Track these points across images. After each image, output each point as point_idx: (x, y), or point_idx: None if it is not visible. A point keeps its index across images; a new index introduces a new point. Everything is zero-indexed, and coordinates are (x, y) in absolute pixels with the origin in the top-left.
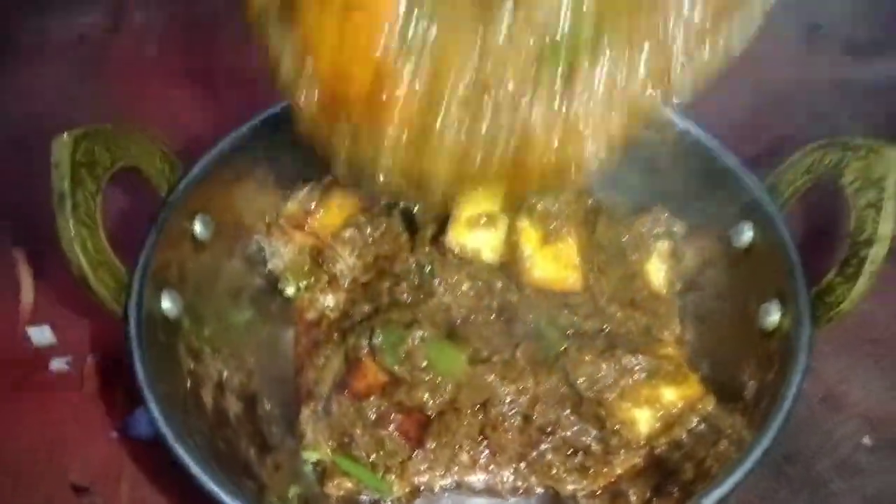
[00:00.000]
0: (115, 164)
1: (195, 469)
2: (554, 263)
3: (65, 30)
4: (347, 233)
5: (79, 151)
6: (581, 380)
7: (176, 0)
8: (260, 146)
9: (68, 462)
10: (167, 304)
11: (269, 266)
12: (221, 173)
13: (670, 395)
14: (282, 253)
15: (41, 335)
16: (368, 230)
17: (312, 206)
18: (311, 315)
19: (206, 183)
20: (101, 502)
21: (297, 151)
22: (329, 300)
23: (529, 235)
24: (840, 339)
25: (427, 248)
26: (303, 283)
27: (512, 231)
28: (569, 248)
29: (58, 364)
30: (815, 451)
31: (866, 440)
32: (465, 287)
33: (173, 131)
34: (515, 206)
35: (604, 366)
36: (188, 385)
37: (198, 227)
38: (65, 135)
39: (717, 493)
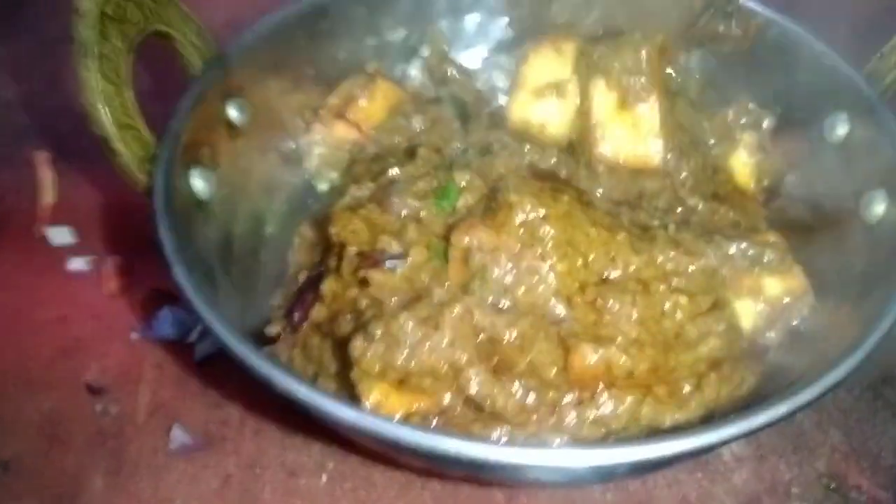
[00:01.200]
0: (149, 27)
1: (226, 336)
2: (632, 131)
3: None
4: (394, 122)
5: (109, 4)
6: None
7: None
8: (303, 34)
9: (85, 363)
10: (198, 182)
11: (306, 164)
12: (260, 57)
13: (774, 286)
14: (320, 148)
15: (61, 235)
16: (416, 119)
17: (357, 94)
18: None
19: (242, 65)
20: (115, 405)
21: (343, 42)
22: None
23: (604, 98)
24: None
25: (484, 131)
26: (335, 177)
27: (584, 97)
28: (651, 112)
29: (77, 263)
30: None
31: None
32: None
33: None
34: (589, 66)
35: (708, 249)
36: (217, 269)
37: (232, 111)
38: None
39: (818, 388)
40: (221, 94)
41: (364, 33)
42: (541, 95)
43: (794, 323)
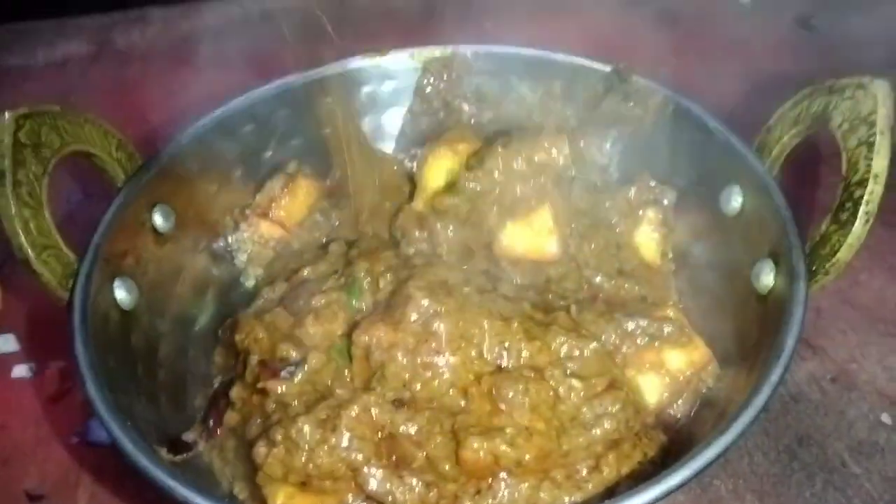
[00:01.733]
0: (65, 148)
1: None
2: (527, 230)
3: (49, 54)
4: (313, 218)
5: (22, 131)
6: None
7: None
8: (227, 138)
9: (24, 469)
10: (121, 293)
11: (236, 261)
12: (185, 164)
13: (676, 359)
14: (248, 245)
15: (5, 343)
16: (335, 214)
17: (278, 193)
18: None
19: (166, 173)
20: None
21: (269, 143)
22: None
23: (497, 204)
24: (849, 320)
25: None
26: (261, 273)
27: (478, 201)
28: (543, 214)
29: (19, 371)
30: (830, 432)
31: (885, 418)
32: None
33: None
34: (483, 169)
35: (608, 328)
36: (140, 376)
37: (158, 219)
38: (6, 114)
39: (707, 455)
40: (146, 203)
41: (288, 135)
42: (439, 195)
43: (700, 392)
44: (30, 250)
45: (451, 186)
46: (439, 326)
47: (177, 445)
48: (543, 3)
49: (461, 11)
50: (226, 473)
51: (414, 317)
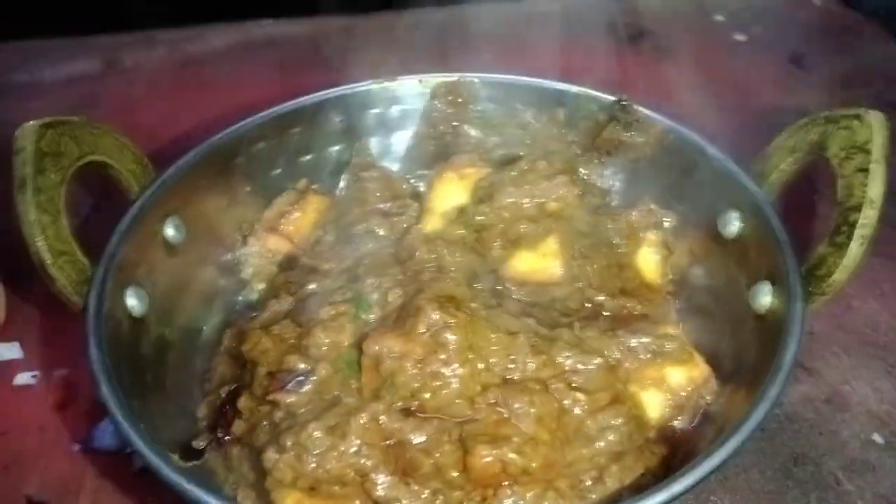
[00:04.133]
0: (83, 158)
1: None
2: (531, 256)
3: (57, 73)
4: (321, 232)
5: (44, 140)
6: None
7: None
8: (238, 154)
9: (26, 476)
10: (132, 301)
11: (243, 275)
12: (197, 178)
13: (677, 375)
14: (255, 259)
15: (10, 351)
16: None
17: (287, 209)
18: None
19: (179, 186)
20: None
21: (279, 161)
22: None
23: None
24: (842, 342)
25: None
26: (264, 288)
27: (483, 229)
28: (549, 243)
29: (23, 378)
30: (824, 451)
31: (877, 437)
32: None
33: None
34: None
35: (611, 345)
36: (149, 383)
37: (169, 231)
38: (31, 122)
39: (708, 465)
40: (159, 215)
41: (299, 152)
42: (447, 219)
43: (701, 408)
44: (47, 255)
45: (460, 214)
46: (448, 338)
47: (188, 452)
48: (547, 37)
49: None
50: (229, 480)
51: (423, 328)
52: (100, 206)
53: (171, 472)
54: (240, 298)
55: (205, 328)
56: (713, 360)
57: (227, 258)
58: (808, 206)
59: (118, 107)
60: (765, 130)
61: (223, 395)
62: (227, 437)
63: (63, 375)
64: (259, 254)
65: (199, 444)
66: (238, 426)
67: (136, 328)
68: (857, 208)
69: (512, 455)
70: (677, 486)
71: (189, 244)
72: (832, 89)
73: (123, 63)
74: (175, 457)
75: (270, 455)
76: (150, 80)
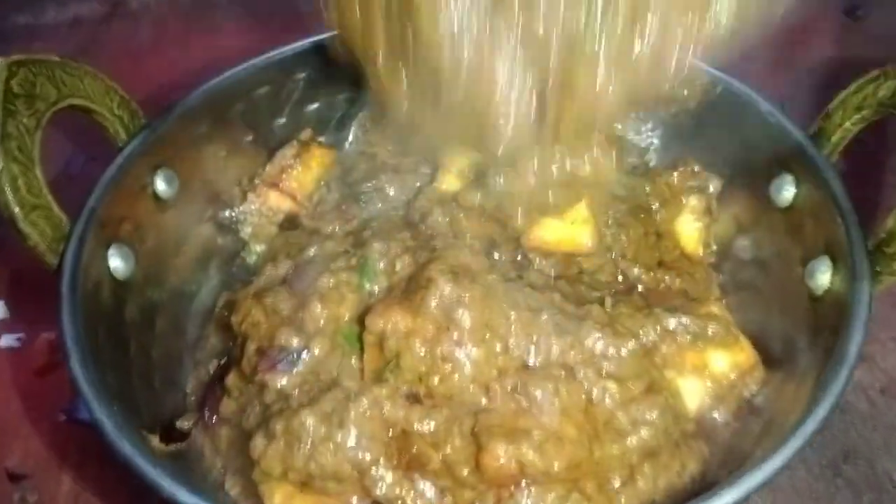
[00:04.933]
0: (61, 101)
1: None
2: (559, 220)
3: (60, 15)
4: (325, 189)
5: (14, 79)
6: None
7: None
8: (239, 100)
9: (8, 447)
10: (116, 261)
11: (241, 234)
12: (192, 126)
13: (720, 361)
14: (254, 218)
15: None
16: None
17: (290, 162)
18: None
19: (172, 134)
20: (34, 493)
21: (283, 109)
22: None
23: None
24: None
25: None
26: (262, 250)
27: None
28: (578, 206)
29: (7, 340)
30: (878, 447)
31: None
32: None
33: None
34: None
35: (646, 325)
36: (133, 353)
37: (160, 184)
38: None
39: (760, 475)
40: (148, 166)
41: (305, 101)
42: (463, 178)
43: (745, 398)
44: (16, 208)
45: (478, 176)
46: (462, 315)
47: (170, 433)
48: None
49: None
50: (217, 465)
51: (434, 303)
52: (94, 157)
53: (143, 461)
54: (238, 261)
55: (200, 293)
56: (759, 345)
57: (225, 215)
58: (876, 172)
59: (123, 50)
60: (817, 87)
61: (212, 371)
62: (214, 417)
63: (49, 339)
64: (259, 212)
65: (183, 424)
66: (227, 405)
67: (119, 291)
68: None
69: (532, 455)
70: (720, 501)
71: (182, 199)
72: (889, 43)
73: (129, 4)
74: (155, 439)
75: (259, 442)
76: (157, 22)
